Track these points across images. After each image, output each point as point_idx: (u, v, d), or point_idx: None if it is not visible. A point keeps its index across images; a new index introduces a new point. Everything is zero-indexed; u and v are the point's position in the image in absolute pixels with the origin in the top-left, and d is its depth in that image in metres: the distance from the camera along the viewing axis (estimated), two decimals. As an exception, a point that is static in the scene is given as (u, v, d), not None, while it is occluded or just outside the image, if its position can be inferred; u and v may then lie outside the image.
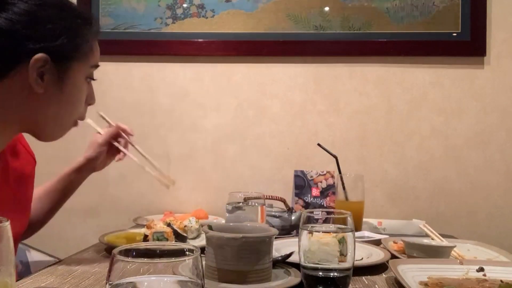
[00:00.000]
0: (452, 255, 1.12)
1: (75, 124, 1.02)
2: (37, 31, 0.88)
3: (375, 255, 1.09)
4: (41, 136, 0.99)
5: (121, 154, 1.30)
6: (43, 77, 0.90)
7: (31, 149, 1.14)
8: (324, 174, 1.63)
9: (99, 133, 1.31)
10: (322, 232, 0.79)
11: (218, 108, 1.83)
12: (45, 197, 1.27)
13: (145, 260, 0.48)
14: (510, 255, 1.15)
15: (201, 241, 1.24)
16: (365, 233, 1.35)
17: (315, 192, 1.61)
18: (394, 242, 1.23)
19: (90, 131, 1.85)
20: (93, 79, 1.01)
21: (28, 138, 1.16)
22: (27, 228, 1.23)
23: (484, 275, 0.95)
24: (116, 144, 1.29)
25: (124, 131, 1.31)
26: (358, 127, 1.79)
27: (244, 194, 1.21)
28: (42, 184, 1.28)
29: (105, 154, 1.30)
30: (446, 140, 1.77)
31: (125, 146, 1.31)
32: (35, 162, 1.14)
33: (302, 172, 1.63)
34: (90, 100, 1.04)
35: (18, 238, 1.08)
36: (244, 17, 1.80)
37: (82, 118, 1.04)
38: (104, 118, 1.34)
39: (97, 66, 1.01)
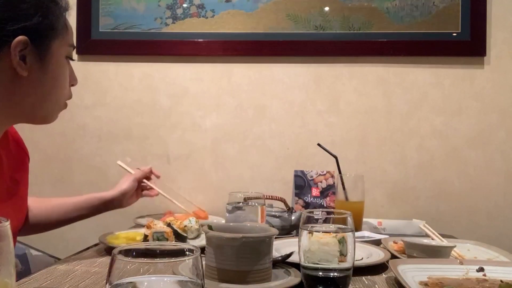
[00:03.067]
0: (452, 255, 1.12)
1: (65, 105, 1.04)
2: (12, 12, 0.89)
3: (375, 255, 1.09)
4: (35, 119, 1.00)
5: (155, 191, 1.50)
6: (26, 60, 0.91)
7: (25, 146, 1.14)
8: (324, 174, 1.63)
9: (129, 172, 1.48)
10: (322, 232, 0.79)
11: (218, 108, 1.83)
12: (57, 208, 1.31)
13: (145, 260, 0.48)
14: (510, 255, 1.15)
15: (201, 241, 1.24)
16: (365, 233, 1.35)
17: (315, 192, 1.61)
18: (394, 242, 1.23)
19: (88, 133, 1.86)
20: (72, 59, 1.03)
21: (24, 137, 1.16)
22: (28, 226, 1.24)
23: (484, 275, 0.95)
24: (147, 182, 1.49)
25: (153, 174, 1.51)
26: (358, 127, 1.79)
27: (244, 194, 1.22)
28: (61, 196, 1.36)
29: (134, 191, 1.44)
30: (446, 140, 1.77)
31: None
32: (29, 158, 1.15)
33: (302, 172, 1.63)
34: (72, 80, 1.05)
35: (16, 234, 1.08)
36: (244, 17, 1.80)
37: (70, 97, 1.05)
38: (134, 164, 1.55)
39: (73, 46, 1.03)
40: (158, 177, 1.53)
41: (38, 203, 1.29)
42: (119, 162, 1.54)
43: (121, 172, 1.63)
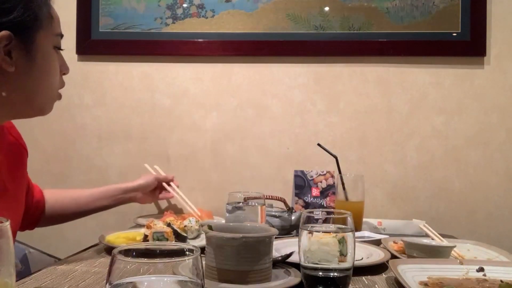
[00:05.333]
0: (452, 255, 1.12)
1: (59, 96, 1.03)
2: None
3: (375, 255, 1.09)
4: (30, 113, 0.99)
5: (171, 193, 1.62)
6: (11, 55, 0.89)
7: (23, 140, 1.13)
8: (324, 174, 1.63)
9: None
10: (322, 232, 0.79)
11: (218, 108, 1.83)
12: (74, 200, 1.35)
13: (145, 260, 0.48)
14: (510, 255, 1.15)
15: (201, 241, 1.24)
16: (365, 233, 1.35)
17: (315, 192, 1.61)
18: (394, 242, 1.23)
19: (88, 133, 1.86)
20: (61, 49, 1.01)
21: (24, 136, 1.16)
22: (45, 218, 1.25)
23: (484, 275, 0.95)
24: (166, 186, 1.61)
25: (173, 182, 1.63)
26: (358, 127, 1.79)
27: (244, 194, 1.21)
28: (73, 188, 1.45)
29: (152, 190, 1.55)
30: (446, 140, 1.77)
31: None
32: (27, 153, 1.14)
33: (302, 172, 1.63)
34: (64, 69, 1.03)
35: (14, 233, 1.08)
36: (244, 17, 1.80)
37: (62, 86, 1.04)
38: (158, 171, 1.68)
39: (61, 35, 1.00)
40: (177, 186, 1.64)
41: (55, 194, 1.31)
42: (146, 165, 1.69)
43: (123, 173, 1.65)
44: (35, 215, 1.23)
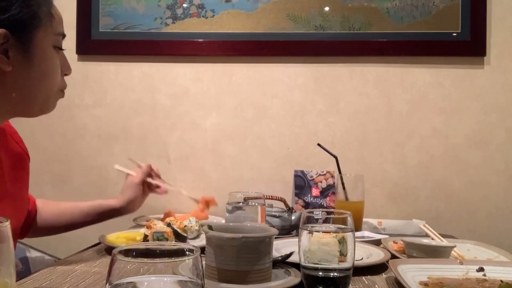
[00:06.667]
0: (452, 255, 1.12)
1: (62, 94, 1.01)
2: None
3: (375, 255, 1.09)
4: (30, 113, 0.97)
5: (163, 188, 1.47)
6: (8, 54, 0.87)
7: (25, 146, 1.13)
8: (324, 174, 1.63)
9: (130, 174, 1.44)
10: (322, 232, 0.79)
11: (218, 108, 1.83)
12: (66, 213, 1.31)
13: (145, 260, 0.48)
14: (510, 255, 1.15)
15: (201, 241, 1.24)
16: (365, 233, 1.35)
17: (315, 192, 1.61)
18: (394, 242, 1.23)
19: (88, 133, 1.86)
20: (62, 49, 0.98)
21: (24, 137, 1.16)
22: (36, 228, 1.24)
23: (484, 275, 0.95)
24: (150, 180, 1.44)
25: (152, 170, 1.46)
26: (358, 127, 1.79)
27: (244, 194, 1.22)
28: (71, 201, 1.37)
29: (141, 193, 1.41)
30: (446, 140, 1.77)
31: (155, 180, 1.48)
32: (29, 158, 1.14)
33: (302, 172, 1.63)
34: (66, 70, 1.01)
35: (16, 234, 1.08)
36: (244, 17, 1.80)
37: (64, 88, 1.02)
38: (134, 162, 1.51)
39: (63, 34, 0.98)
40: (158, 176, 1.48)
41: (47, 206, 1.29)
42: (116, 167, 1.51)
43: (123, 173, 1.62)
44: (25, 224, 1.22)
